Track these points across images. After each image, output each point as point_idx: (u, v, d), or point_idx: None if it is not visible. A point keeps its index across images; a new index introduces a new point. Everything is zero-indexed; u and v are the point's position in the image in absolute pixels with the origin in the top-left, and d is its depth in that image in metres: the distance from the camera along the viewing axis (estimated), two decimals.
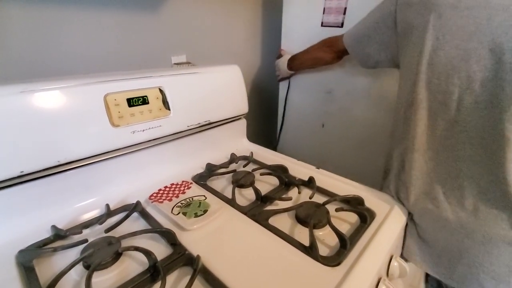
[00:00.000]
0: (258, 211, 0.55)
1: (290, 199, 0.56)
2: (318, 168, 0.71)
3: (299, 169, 0.72)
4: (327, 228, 0.51)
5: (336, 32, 0.84)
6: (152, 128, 0.60)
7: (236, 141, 0.84)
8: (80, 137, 0.50)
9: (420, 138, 0.54)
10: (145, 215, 0.52)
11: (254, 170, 0.68)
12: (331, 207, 0.55)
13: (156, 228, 0.47)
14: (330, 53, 0.86)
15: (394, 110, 0.64)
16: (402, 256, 0.58)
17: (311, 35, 0.94)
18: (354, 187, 0.64)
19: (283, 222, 0.53)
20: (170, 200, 0.56)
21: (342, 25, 0.92)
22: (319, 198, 0.58)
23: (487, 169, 0.47)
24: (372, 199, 0.59)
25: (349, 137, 1.04)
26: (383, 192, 0.62)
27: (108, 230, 0.46)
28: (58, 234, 0.46)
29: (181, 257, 0.43)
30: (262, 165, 0.71)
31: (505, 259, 0.47)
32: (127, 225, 0.50)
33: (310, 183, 0.63)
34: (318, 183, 0.64)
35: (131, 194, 0.57)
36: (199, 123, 0.70)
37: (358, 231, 0.50)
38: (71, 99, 0.49)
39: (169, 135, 0.64)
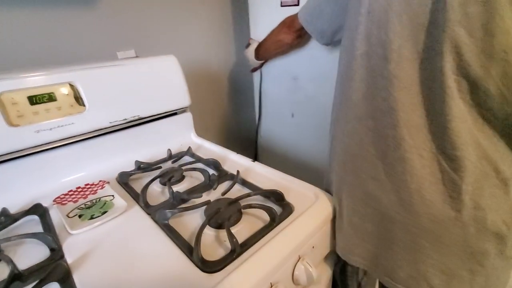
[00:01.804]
0: (164, 210, 0.50)
1: (200, 196, 0.51)
2: (254, 161, 0.65)
3: (235, 163, 0.66)
4: (238, 226, 0.45)
5: (295, 11, 0.77)
6: (63, 126, 0.57)
7: (180, 136, 0.80)
8: None
9: (360, 104, 0.43)
10: (44, 219, 0.49)
11: (183, 165, 0.63)
12: (247, 204, 0.49)
13: (34, 232, 0.43)
14: (289, 33, 0.80)
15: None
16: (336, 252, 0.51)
17: (275, 18, 0.86)
18: (286, 181, 0.57)
19: (191, 222, 0.48)
20: (76, 201, 0.53)
21: (298, 3, 0.85)
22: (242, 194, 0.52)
23: (432, 135, 0.38)
24: (300, 192, 0.52)
25: (317, 126, 0.96)
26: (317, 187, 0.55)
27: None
28: None
29: (52, 265, 0.39)
30: (195, 160, 0.66)
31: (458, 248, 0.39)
32: (20, 229, 0.47)
33: (235, 177, 0.57)
34: (248, 177, 0.58)
35: (37, 199, 0.54)
36: (126, 119, 0.66)
37: (262, 231, 0.43)
38: None
39: (86, 132, 0.61)
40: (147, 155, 0.70)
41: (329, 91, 0.86)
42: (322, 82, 0.88)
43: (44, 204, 0.53)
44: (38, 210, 0.50)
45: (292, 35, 0.80)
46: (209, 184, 0.58)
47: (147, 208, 0.51)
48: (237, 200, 0.49)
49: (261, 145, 1.23)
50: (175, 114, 0.78)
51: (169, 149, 0.71)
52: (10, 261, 0.37)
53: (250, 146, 1.32)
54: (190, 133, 0.82)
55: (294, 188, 0.54)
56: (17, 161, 0.53)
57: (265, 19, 0.96)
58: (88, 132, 0.61)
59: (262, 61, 1.00)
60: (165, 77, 0.73)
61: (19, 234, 0.43)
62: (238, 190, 0.55)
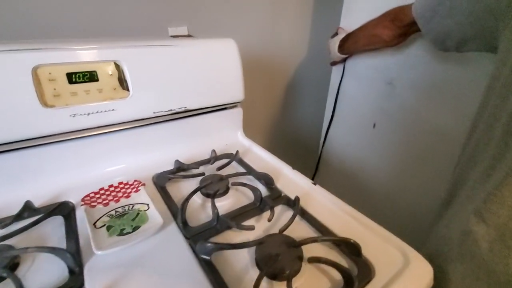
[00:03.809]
0: (205, 237, 0.40)
1: (251, 228, 0.40)
2: (314, 183, 0.53)
3: (290, 181, 0.55)
4: (299, 279, 0.34)
5: (405, 2, 0.61)
6: (102, 112, 0.49)
7: (226, 135, 0.69)
8: (1, 118, 0.41)
9: None
10: (69, 222, 0.42)
11: (231, 176, 0.53)
12: (310, 250, 0.38)
13: (54, 247, 0.36)
14: (391, 29, 0.64)
15: (476, 116, 0.42)
16: None
17: (376, 6, 0.68)
18: (361, 224, 0.44)
19: (238, 262, 0.37)
20: (107, 204, 0.45)
21: None
22: (301, 231, 0.41)
23: None
24: (381, 246, 0.40)
25: (406, 145, 0.79)
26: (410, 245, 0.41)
27: (2, 239, 0.37)
28: None
29: None
30: (245, 172, 0.56)
31: None
32: (42, 231, 0.40)
33: (294, 205, 0.46)
34: (308, 205, 0.47)
35: (65, 192, 0.47)
36: (171, 110, 0.57)
37: None
38: None
39: (127, 122, 0.52)
40: (188, 153, 0.60)
41: (437, 107, 0.68)
42: (429, 94, 0.71)
43: (72, 200, 0.46)
44: (63, 209, 0.43)
45: (394, 32, 0.64)
46: (259, 207, 0.47)
47: (185, 230, 0.41)
48: (300, 244, 0.37)
49: (325, 157, 1.07)
50: (224, 109, 0.67)
51: (213, 150, 0.61)
52: (16, 281, 0.29)
53: (309, 156, 1.18)
54: (237, 132, 0.71)
55: (372, 238, 0.41)
56: (47, 147, 0.46)
57: (363, 6, 0.80)
58: (129, 122, 0.52)
59: (346, 56, 0.84)
60: (220, 64, 0.62)
61: (38, 246, 0.35)
62: (296, 224, 0.44)
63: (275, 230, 0.41)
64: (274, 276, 0.35)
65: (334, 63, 0.93)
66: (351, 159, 0.96)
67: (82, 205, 0.44)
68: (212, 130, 0.67)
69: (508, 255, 0.34)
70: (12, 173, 0.44)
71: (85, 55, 0.46)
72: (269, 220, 0.42)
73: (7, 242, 0.37)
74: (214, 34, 0.86)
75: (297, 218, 0.45)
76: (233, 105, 0.69)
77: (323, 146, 1.07)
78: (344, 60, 0.89)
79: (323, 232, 0.42)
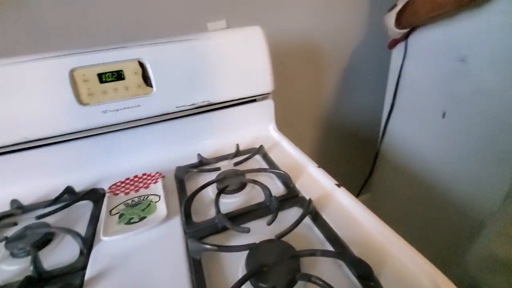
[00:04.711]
0: (204, 235, 0.39)
1: (246, 231, 0.37)
2: (339, 186, 0.45)
3: (312, 180, 0.48)
4: None
5: None
6: (128, 108, 0.53)
7: (257, 128, 0.66)
8: (44, 116, 0.48)
9: None
10: (96, 207, 0.47)
11: (246, 172, 0.50)
12: (310, 264, 0.32)
13: (70, 229, 0.40)
14: None
15: None
16: None
17: None
18: (383, 238, 0.35)
19: (229, 266, 0.35)
20: (127, 193, 0.49)
21: None
22: (308, 240, 0.36)
23: None
24: (405, 271, 0.31)
25: (483, 139, 0.62)
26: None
27: (39, 217, 0.43)
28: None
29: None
30: (265, 168, 0.52)
31: None
32: (74, 213, 0.46)
33: (307, 209, 0.40)
34: (327, 212, 0.40)
35: (100, 180, 0.53)
36: (194, 104, 0.57)
37: None
38: (33, 75, 0.47)
39: (151, 117, 0.55)
40: (213, 148, 0.60)
41: None
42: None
43: (105, 188, 0.51)
44: (93, 195, 0.48)
45: None
46: (268, 208, 0.43)
47: (187, 224, 0.41)
48: (298, 256, 0.32)
49: (384, 153, 0.93)
50: (253, 101, 0.64)
51: (237, 144, 0.59)
52: (33, 260, 0.34)
53: (366, 151, 1.05)
54: (269, 126, 0.67)
55: (394, 259, 0.32)
56: (84, 141, 0.53)
57: None
58: (153, 117, 0.55)
59: (406, 31, 0.70)
60: (245, 55, 0.59)
61: (58, 226, 0.40)
62: (306, 230, 0.38)
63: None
64: None
65: (393, 43, 0.78)
66: (414, 155, 0.79)
67: (107, 192, 0.48)
68: (241, 124, 0.65)
69: None
70: (54, 163, 0.53)
71: (111, 56, 0.51)
72: (268, 224, 0.38)
73: (46, 220, 0.43)
74: (255, 23, 0.83)
75: (309, 223, 0.40)
76: (263, 97, 0.65)
77: (381, 140, 0.92)
78: (405, 38, 0.74)
79: (334, 244, 0.35)
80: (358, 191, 1.10)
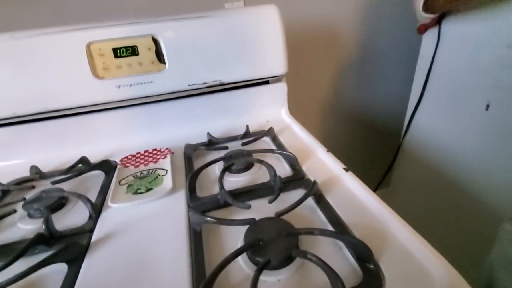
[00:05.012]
0: (206, 209, 0.39)
1: (247, 207, 0.37)
2: (347, 170, 0.44)
3: (320, 163, 0.47)
4: (285, 272, 0.29)
5: None
6: (141, 83, 0.54)
7: (269, 111, 0.66)
8: (62, 88, 0.50)
9: None
10: (107, 177, 0.49)
11: (253, 152, 0.50)
12: (309, 243, 0.32)
13: (80, 194, 0.42)
14: None
15: None
16: None
17: None
18: (389, 224, 0.34)
19: (228, 240, 0.35)
20: (137, 166, 0.50)
21: None
22: (310, 221, 0.35)
23: None
24: (407, 257, 0.29)
25: None
26: None
27: (54, 182, 0.46)
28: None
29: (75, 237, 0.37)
30: (272, 149, 0.51)
31: None
32: (87, 181, 0.48)
33: (311, 191, 0.39)
34: (332, 195, 0.39)
35: (113, 153, 0.55)
36: (205, 83, 0.57)
37: None
38: (52, 47, 0.49)
39: (163, 93, 0.56)
40: (223, 128, 0.60)
41: None
42: None
43: (117, 160, 0.53)
44: (105, 166, 0.50)
45: None
46: (271, 188, 0.43)
47: (190, 198, 0.41)
48: (296, 234, 0.32)
49: (407, 147, 0.87)
50: (266, 83, 0.63)
51: (247, 125, 0.59)
52: (45, 220, 0.36)
53: (387, 144, 1.01)
54: (281, 109, 0.66)
55: (397, 245, 0.31)
56: (98, 114, 0.54)
57: None
58: (165, 94, 0.56)
59: (435, 16, 0.66)
60: (259, 34, 0.58)
61: (72, 191, 0.42)
62: (308, 211, 0.37)
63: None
64: (257, 263, 0.31)
65: (422, 29, 0.73)
66: (443, 151, 0.75)
67: (119, 164, 0.50)
68: (253, 106, 0.64)
69: None
70: (71, 134, 0.55)
71: (127, 31, 0.51)
72: (270, 202, 0.38)
73: (60, 185, 0.46)
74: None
75: (313, 205, 0.39)
76: (276, 79, 0.64)
77: (405, 133, 0.88)
78: (436, 23, 0.69)
79: (335, 225, 0.34)
80: (376, 185, 1.07)
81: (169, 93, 0.56)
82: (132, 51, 0.52)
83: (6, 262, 0.30)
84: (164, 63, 0.54)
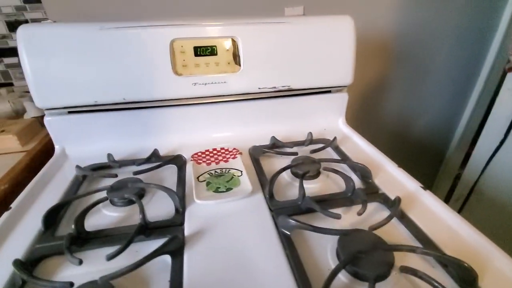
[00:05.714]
0: (288, 213, 0.40)
1: (337, 217, 0.37)
2: (425, 188, 0.44)
3: (393, 179, 0.48)
4: (384, 286, 0.30)
5: None
6: (216, 83, 0.55)
7: (326, 120, 0.66)
8: (142, 80, 0.52)
9: None
10: (181, 171, 0.50)
11: (324, 160, 0.51)
12: (404, 260, 0.33)
13: (168, 188, 0.43)
14: None
15: None
16: None
17: None
18: (478, 245, 0.35)
19: (317, 246, 0.36)
20: (209, 164, 0.51)
21: None
22: (396, 236, 0.36)
23: None
24: (506, 282, 0.30)
25: None
26: None
27: (136, 173, 0.47)
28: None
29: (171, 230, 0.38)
30: (340, 159, 0.52)
31: None
32: (162, 174, 0.50)
33: (393, 205, 0.40)
34: (413, 213, 0.40)
35: (180, 147, 0.56)
36: (275, 87, 0.58)
37: None
38: (138, 41, 0.50)
39: (235, 94, 0.57)
40: (285, 132, 0.61)
41: None
42: None
43: (185, 155, 0.54)
44: (178, 161, 0.52)
45: None
46: (349, 198, 0.43)
47: (271, 201, 0.42)
48: (392, 249, 0.33)
49: (482, 185, 0.85)
50: (329, 92, 0.64)
51: (310, 133, 0.60)
52: (142, 211, 0.37)
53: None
54: (339, 119, 0.67)
55: (491, 267, 0.32)
56: (173, 109, 0.56)
57: None
58: (237, 94, 0.57)
59: None
60: (333, 44, 0.58)
61: (159, 184, 0.44)
62: (392, 227, 0.38)
63: (364, 227, 0.37)
64: (355, 274, 0.32)
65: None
66: None
67: (191, 160, 0.51)
68: (313, 113, 0.65)
69: None
70: (146, 126, 0.56)
71: (208, 31, 0.52)
72: (359, 214, 0.38)
73: (139, 176, 0.47)
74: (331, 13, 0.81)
75: (394, 221, 0.40)
76: (338, 89, 0.64)
77: (482, 172, 0.84)
78: None
79: (424, 244, 0.35)
80: None
81: (240, 94, 0.57)
82: (211, 50, 0.53)
83: (118, 250, 0.32)
84: (240, 65, 0.55)
